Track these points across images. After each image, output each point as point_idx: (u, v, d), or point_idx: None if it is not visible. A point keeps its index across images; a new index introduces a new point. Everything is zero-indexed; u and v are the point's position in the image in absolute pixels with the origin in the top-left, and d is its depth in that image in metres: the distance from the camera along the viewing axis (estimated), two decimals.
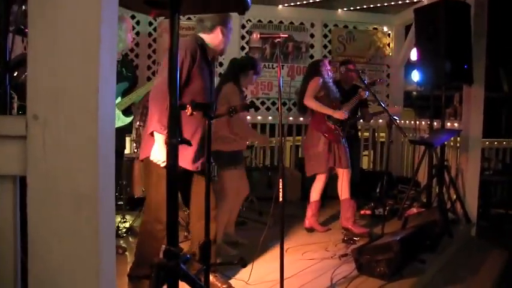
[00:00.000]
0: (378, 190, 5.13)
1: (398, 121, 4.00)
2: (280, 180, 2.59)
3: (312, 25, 6.20)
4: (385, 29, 6.46)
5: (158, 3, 1.85)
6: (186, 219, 4.01)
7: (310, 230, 4.16)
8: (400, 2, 5.78)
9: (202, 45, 2.60)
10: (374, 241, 3.26)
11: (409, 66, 6.27)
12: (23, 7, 2.22)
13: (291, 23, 6.14)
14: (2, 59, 1.59)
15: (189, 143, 2.36)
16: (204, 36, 2.65)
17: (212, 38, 2.65)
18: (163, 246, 2.09)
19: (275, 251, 3.30)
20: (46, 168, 1.00)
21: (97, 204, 1.03)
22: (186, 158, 2.50)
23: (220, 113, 2.42)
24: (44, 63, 1.00)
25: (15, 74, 1.88)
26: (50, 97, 1.00)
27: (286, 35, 3.04)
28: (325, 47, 6.29)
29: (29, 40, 0.99)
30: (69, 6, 1.02)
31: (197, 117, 2.42)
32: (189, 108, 1.93)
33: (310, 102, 4.00)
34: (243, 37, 5.98)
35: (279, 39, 2.80)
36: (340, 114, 3.99)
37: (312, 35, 6.22)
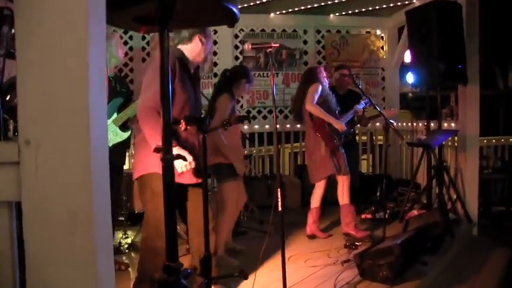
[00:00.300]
0: (378, 194, 5.14)
1: (394, 124, 4.01)
2: (279, 189, 2.59)
3: (305, 32, 6.23)
4: (378, 32, 6.50)
5: (147, 20, 1.87)
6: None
7: (312, 236, 4.16)
8: (391, 5, 5.81)
9: (181, 59, 2.58)
10: (376, 245, 3.25)
11: (404, 68, 6.30)
12: (13, 30, 2.24)
13: (284, 30, 6.17)
14: None
15: (184, 159, 2.37)
16: (183, 47, 2.63)
17: (192, 48, 2.62)
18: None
19: (277, 260, 3.28)
20: (40, 192, 1.00)
21: (93, 226, 1.03)
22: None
23: (214, 125, 2.43)
24: (33, 89, 1.00)
25: (8, 98, 1.89)
26: (41, 122, 1.00)
27: (278, 45, 3.05)
28: (319, 53, 6.32)
29: (17, 65, 0.99)
30: (56, 30, 1.02)
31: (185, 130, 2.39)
32: (183, 123, 1.94)
33: (312, 108, 3.98)
34: (236, 47, 6.01)
35: (270, 49, 2.81)
36: (340, 126, 4.00)
37: (305, 42, 6.25)
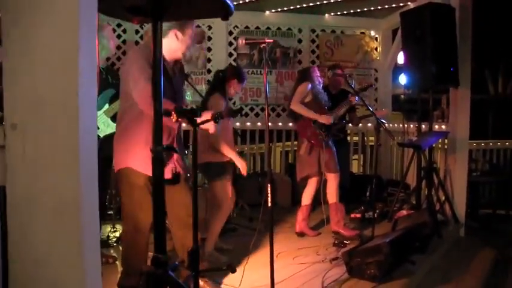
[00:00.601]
0: (367, 193, 5.15)
1: (386, 124, 4.04)
2: (269, 185, 2.59)
3: (300, 30, 6.24)
4: (373, 33, 6.52)
5: (140, 11, 1.85)
6: None
7: (301, 234, 4.17)
8: (386, 6, 5.83)
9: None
10: (364, 244, 3.27)
11: (397, 69, 6.33)
12: None
13: (278, 28, 6.16)
14: None
15: (174, 150, 2.36)
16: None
17: (167, 43, 2.43)
18: (151, 254, 2.07)
19: (266, 256, 3.27)
20: (26, 177, 0.98)
21: (79, 211, 1.02)
22: (145, 163, 2.33)
23: (206, 118, 2.41)
24: (21, 72, 0.98)
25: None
26: (28, 106, 0.99)
27: (272, 41, 3.03)
28: (313, 52, 6.32)
29: (4, 50, 0.97)
30: (45, 15, 1.00)
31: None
32: (174, 114, 1.93)
33: (296, 106, 4.03)
34: (230, 44, 5.99)
35: (264, 45, 2.80)
36: (326, 119, 4.01)
37: (299, 41, 6.25)
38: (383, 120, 3.95)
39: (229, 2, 1.78)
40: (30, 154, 0.99)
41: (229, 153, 3.37)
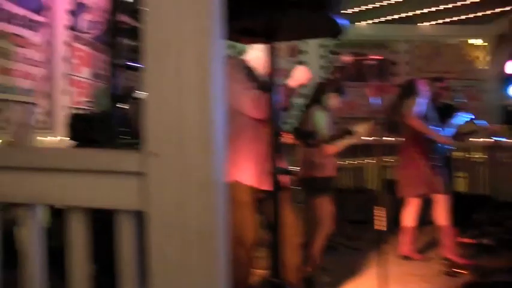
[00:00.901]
0: (478, 216, 4.67)
1: (502, 140, 3.67)
2: (380, 207, 2.44)
3: (394, 41, 5.99)
4: (475, 40, 6.05)
5: (253, 33, 1.87)
6: None
7: (406, 258, 3.90)
8: (490, 12, 5.39)
9: (247, 68, 2.53)
10: (484, 276, 2.93)
11: (507, 79, 5.77)
12: (129, 41, 2.35)
13: (373, 40, 5.96)
14: (112, 94, 1.69)
15: (288, 173, 2.33)
16: (248, 58, 2.60)
17: (256, 58, 2.55)
18: (253, 270, 2.02)
19: (369, 280, 3.13)
20: (165, 204, 1.03)
21: (214, 240, 1.04)
22: (252, 176, 2.43)
23: (321, 139, 2.35)
24: (161, 103, 1.03)
25: (125, 107, 1.99)
26: (168, 136, 1.03)
27: (381, 57, 2.88)
28: (408, 63, 6.02)
29: (145, 79, 1.02)
30: (183, 45, 1.04)
31: (253, 127, 2.37)
32: (292, 136, 1.91)
33: (413, 121, 3.79)
34: (322, 57, 5.89)
35: (369, 61, 2.69)
36: (445, 140, 3.78)
37: (395, 52, 6.00)
38: (496, 137, 3.60)
39: (341, 22, 1.73)
40: (169, 182, 1.03)
41: (341, 144, 3.30)
